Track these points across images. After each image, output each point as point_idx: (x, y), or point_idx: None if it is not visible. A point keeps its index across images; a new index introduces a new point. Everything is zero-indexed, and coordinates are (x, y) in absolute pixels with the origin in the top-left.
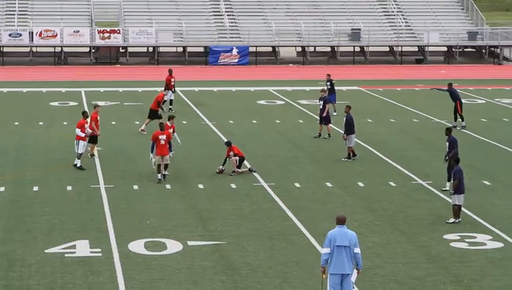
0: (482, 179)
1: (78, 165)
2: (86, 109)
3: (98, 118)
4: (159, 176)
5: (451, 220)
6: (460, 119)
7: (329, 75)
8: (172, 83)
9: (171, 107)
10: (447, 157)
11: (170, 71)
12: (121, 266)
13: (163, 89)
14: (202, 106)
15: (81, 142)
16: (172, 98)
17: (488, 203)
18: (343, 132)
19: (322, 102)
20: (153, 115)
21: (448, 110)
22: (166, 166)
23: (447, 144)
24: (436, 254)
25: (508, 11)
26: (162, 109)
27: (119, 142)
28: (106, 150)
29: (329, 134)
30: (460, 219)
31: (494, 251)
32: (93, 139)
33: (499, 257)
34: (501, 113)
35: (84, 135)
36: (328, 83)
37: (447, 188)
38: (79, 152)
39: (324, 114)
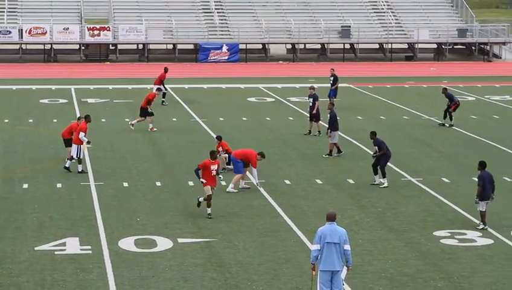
0: (472, 176)
1: (80, 170)
2: (77, 108)
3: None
4: (209, 210)
5: (480, 226)
6: (449, 118)
7: (333, 69)
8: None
9: (164, 100)
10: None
11: (166, 69)
12: (111, 263)
13: (154, 88)
14: (192, 103)
15: (81, 147)
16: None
17: None
18: (327, 129)
19: (311, 99)
20: (144, 112)
21: (438, 108)
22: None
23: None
24: (426, 250)
25: (497, 8)
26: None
27: (109, 140)
28: (96, 147)
29: (319, 131)
30: (486, 227)
31: (484, 248)
32: (69, 143)
33: (488, 253)
34: (491, 110)
35: (87, 140)
36: (332, 78)
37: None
38: (80, 157)
39: (314, 111)
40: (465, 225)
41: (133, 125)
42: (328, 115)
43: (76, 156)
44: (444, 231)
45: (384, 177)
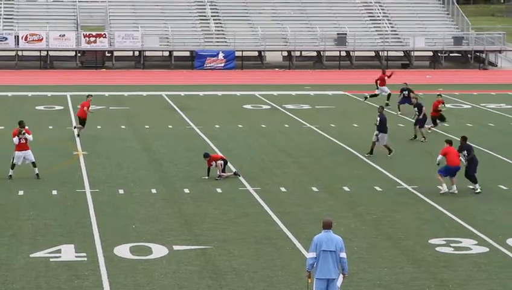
0: (468, 184)
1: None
2: (72, 115)
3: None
4: None
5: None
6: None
7: (406, 84)
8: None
9: None
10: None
11: None
12: (106, 270)
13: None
14: (188, 110)
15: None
16: None
17: (474, 208)
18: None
19: (416, 108)
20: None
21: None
22: None
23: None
24: (421, 258)
25: (493, 16)
26: None
27: (104, 147)
28: (92, 154)
29: (424, 137)
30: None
31: (479, 256)
32: (82, 122)
33: (484, 261)
34: (486, 118)
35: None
36: (406, 92)
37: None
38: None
39: (421, 116)
40: (460, 233)
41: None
42: (378, 118)
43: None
44: (440, 239)
45: (475, 182)
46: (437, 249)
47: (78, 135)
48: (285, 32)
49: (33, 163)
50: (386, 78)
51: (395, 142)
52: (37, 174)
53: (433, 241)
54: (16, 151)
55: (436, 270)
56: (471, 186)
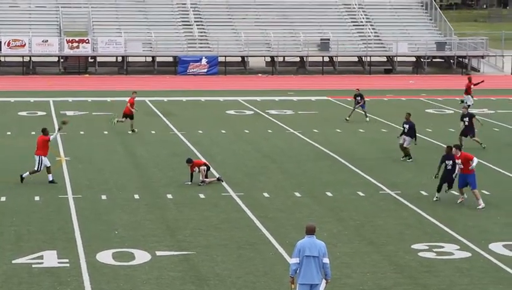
0: (451, 189)
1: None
2: (55, 120)
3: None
4: None
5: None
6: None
7: (358, 89)
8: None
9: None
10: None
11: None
12: (88, 276)
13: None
14: (171, 116)
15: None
16: None
17: (456, 213)
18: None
19: (467, 118)
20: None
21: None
22: None
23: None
24: (404, 263)
25: (476, 21)
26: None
27: (87, 152)
28: (74, 160)
29: (481, 143)
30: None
31: (461, 261)
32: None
33: (466, 266)
34: None
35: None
36: (359, 98)
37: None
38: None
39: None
40: (443, 238)
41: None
42: (408, 125)
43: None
44: (422, 244)
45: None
46: (419, 254)
47: (118, 121)
48: (268, 38)
49: (47, 168)
50: (472, 86)
51: (377, 148)
52: (52, 180)
53: (415, 246)
54: (43, 157)
55: (419, 275)
56: (448, 191)
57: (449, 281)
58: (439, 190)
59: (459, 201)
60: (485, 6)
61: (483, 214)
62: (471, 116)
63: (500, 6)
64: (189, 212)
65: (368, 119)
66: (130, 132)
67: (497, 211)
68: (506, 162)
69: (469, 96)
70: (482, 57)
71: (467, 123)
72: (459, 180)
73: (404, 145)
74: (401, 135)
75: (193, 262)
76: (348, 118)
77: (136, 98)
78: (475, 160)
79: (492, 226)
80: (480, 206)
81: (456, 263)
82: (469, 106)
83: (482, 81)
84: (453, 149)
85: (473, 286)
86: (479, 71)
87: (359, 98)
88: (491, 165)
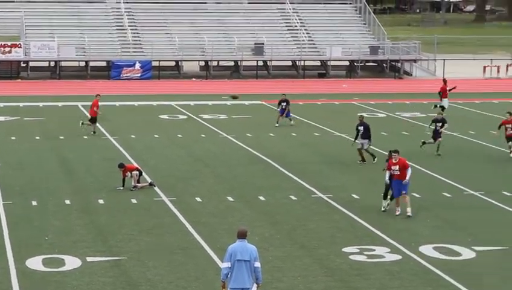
0: (382, 192)
1: None
2: None
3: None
4: None
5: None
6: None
7: (284, 94)
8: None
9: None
10: None
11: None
12: (18, 283)
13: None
14: (104, 121)
15: None
16: None
17: (388, 216)
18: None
19: (440, 123)
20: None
21: (349, 125)
22: None
23: None
24: (335, 267)
25: (409, 25)
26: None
27: (18, 158)
28: (5, 165)
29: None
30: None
31: (392, 264)
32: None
33: (396, 269)
34: (401, 127)
35: None
36: (284, 103)
37: None
38: None
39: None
40: (374, 241)
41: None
42: (362, 127)
43: None
44: (353, 247)
45: None
46: (350, 257)
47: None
48: (202, 42)
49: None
50: (447, 90)
51: (310, 152)
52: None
53: (346, 249)
54: None
55: (350, 278)
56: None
57: (379, 283)
58: (385, 197)
59: (397, 213)
60: (418, 11)
61: (414, 217)
62: (444, 122)
63: (433, 11)
64: (121, 217)
65: (292, 122)
66: (92, 133)
67: (427, 213)
68: (437, 165)
69: (445, 99)
70: (415, 61)
71: (438, 128)
72: (394, 189)
73: (365, 148)
74: (356, 138)
75: (124, 267)
76: (277, 124)
77: (69, 103)
78: (409, 171)
79: (422, 229)
80: (408, 213)
81: (386, 265)
82: (443, 108)
83: (455, 87)
84: (392, 154)
85: (403, 289)
86: (411, 75)
87: (284, 103)
88: (422, 169)
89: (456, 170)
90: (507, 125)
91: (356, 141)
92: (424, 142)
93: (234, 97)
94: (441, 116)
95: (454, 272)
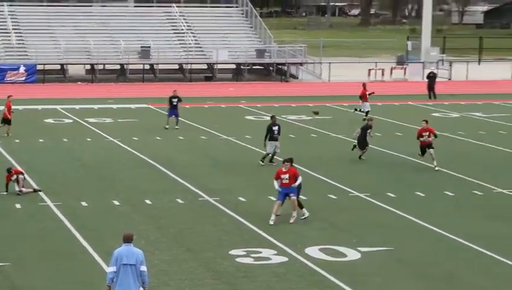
0: (268, 195)
1: None
2: None
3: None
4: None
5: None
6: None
7: (175, 91)
8: None
9: None
10: None
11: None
12: None
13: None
14: None
15: None
16: None
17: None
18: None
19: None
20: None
21: (236, 127)
22: None
23: None
24: (221, 269)
25: (295, 29)
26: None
27: None
28: None
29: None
30: None
31: (278, 265)
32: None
33: (283, 271)
34: (287, 130)
35: None
36: (175, 100)
37: None
38: None
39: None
40: (261, 244)
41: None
42: (277, 127)
43: None
44: (240, 250)
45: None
46: (237, 259)
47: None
48: (88, 45)
49: None
50: (367, 93)
51: (197, 155)
52: None
53: (233, 252)
54: None
55: (236, 281)
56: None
57: (266, 286)
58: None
59: (303, 218)
60: (304, 14)
61: (300, 219)
62: (368, 128)
63: (318, 15)
64: (4, 223)
65: (177, 126)
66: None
67: (313, 215)
68: (322, 168)
69: (365, 103)
70: (301, 64)
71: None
72: (278, 194)
73: (277, 151)
74: (269, 140)
75: (7, 273)
76: (167, 127)
77: None
78: (299, 179)
79: (308, 231)
80: (292, 220)
81: (273, 267)
82: (367, 112)
83: (373, 93)
84: (284, 163)
85: None
86: (297, 78)
87: (176, 99)
88: (307, 171)
89: (341, 172)
90: (424, 133)
91: (269, 142)
92: (355, 146)
93: (316, 113)
94: (366, 124)
95: (339, 273)
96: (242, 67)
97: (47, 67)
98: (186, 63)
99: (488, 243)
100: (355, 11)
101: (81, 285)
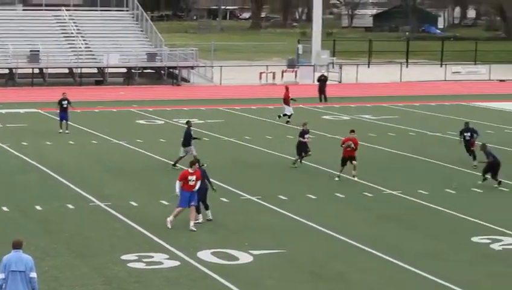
0: (163, 199)
1: None
2: None
3: None
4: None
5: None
6: None
7: (64, 93)
8: None
9: None
10: None
11: None
12: None
13: None
14: None
15: None
16: None
17: (163, 222)
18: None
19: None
20: None
21: (127, 131)
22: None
23: None
24: (112, 275)
25: (186, 32)
26: None
27: None
28: None
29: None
30: None
31: (170, 270)
32: None
33: (174, 275)
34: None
35: None
36: (65, 102)
37: None
38: None
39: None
40: (153, 248)
41: None
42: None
43: None
44: (132, 255)
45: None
46: (129, 264)
47: None
48: None
49: None
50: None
51: (88, 160)
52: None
53: (125, 257)
54: None
55: (128, 286)
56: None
57: None
58: (201, 210)
59: (197, 223)
60: (195, 18)
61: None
62: (306, 133)
63: (209, 18)
64: None
65: (67, 131)
66: None
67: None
68: (213, 171)
69: (287, 106)
70: (192, 67)
71: (305, 139)
72: (181, 200)
73: (194, 154)
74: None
75: None
76: (61, 131)
77: None
78: (199, 182)
79: (201, 234)
80: (192, 226)
81: (164, 272)
82: (290, 115)
83: (295, 100)
84: (194, 165)
85: None
86: (189, 81)
87: (66, 102)
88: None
89: (232, 176)
90: (349, 142)
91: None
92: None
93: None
94: (302, 129)
95: (231, 276)
96: (133, 71)
97: None
98: (76, 67)
99: (377, 243)
100: (246, 15)
101: None
